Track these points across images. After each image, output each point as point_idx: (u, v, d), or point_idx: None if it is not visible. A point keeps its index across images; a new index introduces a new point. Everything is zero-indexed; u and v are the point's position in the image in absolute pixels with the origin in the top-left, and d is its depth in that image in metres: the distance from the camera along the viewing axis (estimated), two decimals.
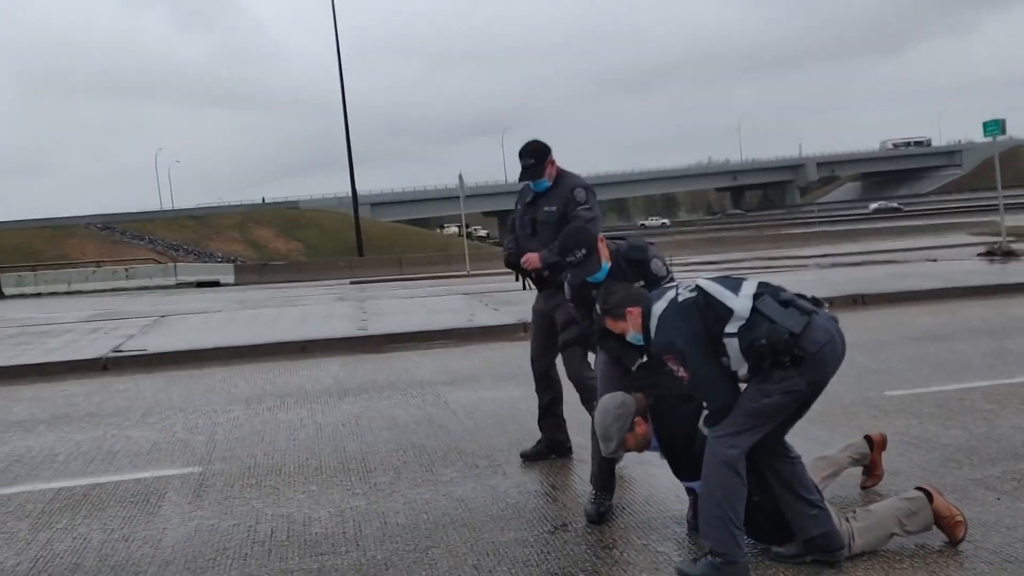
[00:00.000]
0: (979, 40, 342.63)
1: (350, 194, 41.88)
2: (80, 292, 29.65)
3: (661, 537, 3.96)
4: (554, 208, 4.90)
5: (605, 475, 4.26)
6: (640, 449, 3.77)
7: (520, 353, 9.26)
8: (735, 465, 3.37)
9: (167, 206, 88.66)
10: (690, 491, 3.87)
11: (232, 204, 79.48)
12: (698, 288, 3.45)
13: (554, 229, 4.75)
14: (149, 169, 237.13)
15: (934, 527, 3.66)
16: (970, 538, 3.69)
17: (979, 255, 18.82)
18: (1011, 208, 33.36)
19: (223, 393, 8.06)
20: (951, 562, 3.50)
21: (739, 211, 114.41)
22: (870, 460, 4.37)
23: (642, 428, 3.69)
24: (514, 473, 5.07)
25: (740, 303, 3.35)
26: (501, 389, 7.49)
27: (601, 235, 4.07)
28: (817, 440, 5.07)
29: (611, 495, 4.29)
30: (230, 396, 7.89)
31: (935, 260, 18.86)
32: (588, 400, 4.89)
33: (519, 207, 5.22)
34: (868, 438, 4.39)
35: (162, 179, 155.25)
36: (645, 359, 3.75)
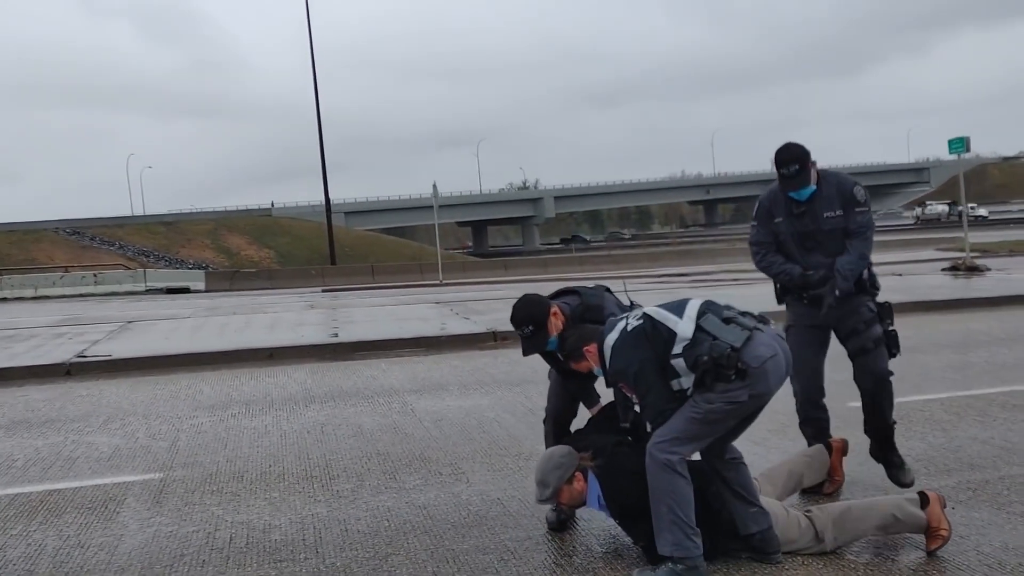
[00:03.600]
0: (935, 61, 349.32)
1: (324, 202, 41.71)
2: (47, 297, 29.22)
3: (622, 546, 3.97)
4: (839, 212, 4.41)
5: None
6: (573, 504, 3.94)
7: (489, 362, 9.29)
8: (676, 467, 3.44)
9: (138, 212, 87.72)
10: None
11: (204, 211, 78.81)
12: (645, 316, 3.60)
13: (841, 235, 4.41)
14: (120, 178, 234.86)
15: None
16: (923, 545, 3.74)
17: (943, 270, 19.11)
18: (977, 225, 33.87)
19: (188, 399, 7.98)
20: (904, 568, 3.55)
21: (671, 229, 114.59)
22: (830, 466, 4.43)
23: (580, 484, 3.85)
24: (478, 481, 5.06)
25: (683, 325, 3.50)
26: (469, 398, 7.48)
27: (553, 307, 4.01)
28: (779, 449, 5.11)
29: None
30: (195, 402, 7.82)
31: (900, 275, 19.11)
32: None
33: (778, 222, 4.54)
34: (828, 444, 4.46)
35: (133, 185, 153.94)
36: (602, 405, 4.21)
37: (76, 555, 4.17)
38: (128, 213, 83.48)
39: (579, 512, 4.35)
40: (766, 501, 3.78)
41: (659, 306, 3.65)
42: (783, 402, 4.34)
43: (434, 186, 29.34)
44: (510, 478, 5.09)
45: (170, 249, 62.44)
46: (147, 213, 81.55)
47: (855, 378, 4.55)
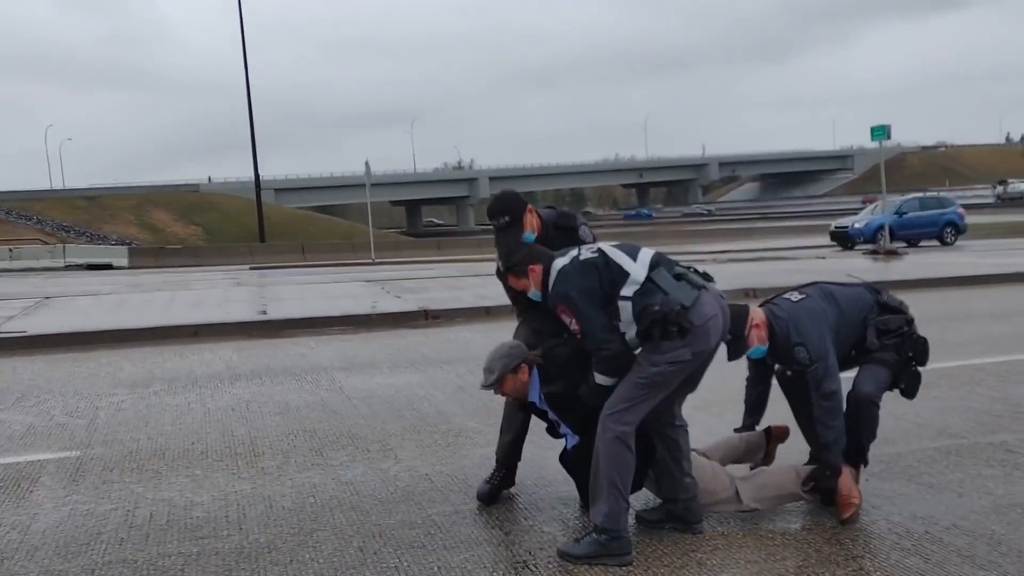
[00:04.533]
0: (860, 51, 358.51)
1: (253, 178, 40.86)
2: None
3: (548, 518, 4.01)
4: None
5: (507, 450, 4.27)
6: (515, 395, 3.86)
7: (420, 340, 9.25)
8: (627, 440, 3.48)
9: (58, 186, 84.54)
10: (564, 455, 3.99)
11: (129, 186, 76.45)
12: (599, 250, 3.60)
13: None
14: (37, 149, 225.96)
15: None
16: (836, 515, 3.86)
17: (864, 254, 19.72)
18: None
19: (107, 377, 7.76)
20: (817, 538, 3.66)
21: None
22: (765, 452, 4.48)
23: (524, 375, 3.80)
24: (406, 457, 5.04)
25: (637, 269, 3.51)
26: (399, 375, 7.44)
27: (530, 205, 4.06)
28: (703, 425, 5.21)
29: (510, 474, 4.30)
30: (115, 380, 7.61)
31: (824, 257, 19.65)
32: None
33: None
34: (768, 431, 4.48)
35: (52, 158, 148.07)
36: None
37: None
38: (47, 187, 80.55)
39: (513, 490, 4.34)
40: (697, 457, 3.90)
41: (614, 245, 3.66)
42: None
43: (366, 164, 28.94)
44: (439, 454, 5.09)
45: (92, 224, 60.45)
46: (67, 187, 78.70)
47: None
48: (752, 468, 4.47)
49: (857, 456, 4.05)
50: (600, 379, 3.56)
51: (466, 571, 3.47)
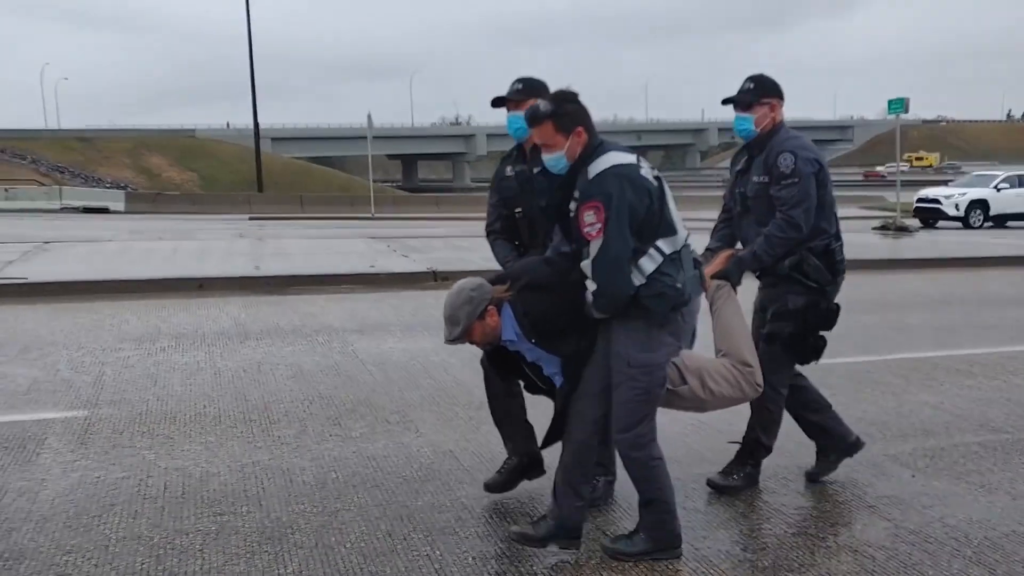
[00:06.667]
0: (859, 21, 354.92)
1: (249, 126, 40.26)
2: None
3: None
4: (764, 178, 3.81)
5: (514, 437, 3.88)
6: (486, 343, 3.30)
7: (431, 302, 9.02)
8: (651, 454, 3.25)
9: (52, 126, 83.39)
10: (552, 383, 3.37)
11: (124, 128, 75.44)
12: (660, 182, 3.13)
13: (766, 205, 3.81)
14: (32, 87, 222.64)
15: None
16: (890, 517, 3.69)
17: (874, 229, 19.47)
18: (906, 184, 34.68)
19: (112, 330, 7.53)
20: (872, 543, 3.48)
21: None
22: None
23: (493, 319, 3.21)
24: (428, 431, 4.84)
25: (681, 232, 3.16)
26: (412, 340, 7.23)
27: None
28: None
29: (533, 463, 3.85)
30: (120, 333, 7.38)
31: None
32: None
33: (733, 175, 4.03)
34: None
35: (48, 97, 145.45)
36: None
37: None
38: (41, 126, 79.44)
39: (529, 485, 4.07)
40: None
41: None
42: None
43: (368, 116, 28.49)
44: (461, 429, 4.89)
45: (87, 167, 59.63)
46: (62, 127, 77.63)
47: None
48: None
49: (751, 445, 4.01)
50: (595, 313, 3.14)
51: (504, 563, 3.29)
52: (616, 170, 3.01)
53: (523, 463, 3.84)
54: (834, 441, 4.11)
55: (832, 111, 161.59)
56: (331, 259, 12.43)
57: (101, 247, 13.79)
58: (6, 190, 31.48)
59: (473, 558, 3.33)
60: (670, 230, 3.11)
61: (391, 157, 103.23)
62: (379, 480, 4.12)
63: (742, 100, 3.82)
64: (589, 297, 3.10)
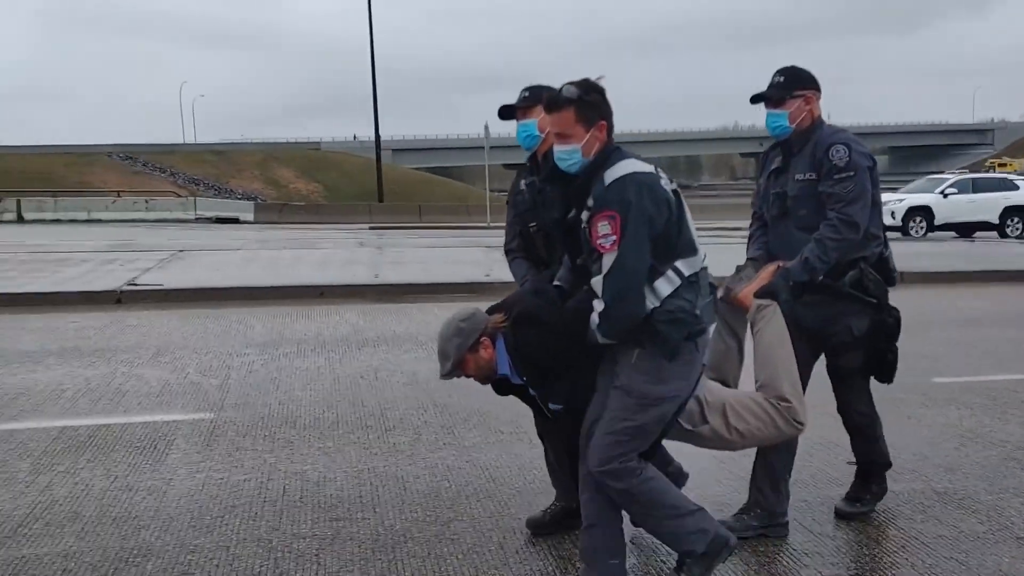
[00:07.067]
0: (996, 20, 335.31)
1: (371, 138, 41.36)
2: (99, 221, 29.47)
3: None
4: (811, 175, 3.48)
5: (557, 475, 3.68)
6: (482, 377, 3.08)
7: None
8: (641, 477, 2.90)
9: (190, 140, 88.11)
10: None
11: (254, 141, 78.94)
12: (679, 196, 2.86)
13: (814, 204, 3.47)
14: (170, 104, 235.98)
15: None
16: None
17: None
18: None
19: (239, 335, 7.81)
20: None
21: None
22: None
23: (487, 352, 2.99)
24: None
25: (700, 251, 2.88)
26: None
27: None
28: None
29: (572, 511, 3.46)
30: (246, 339, 7.64)
31: (972, 240, 18.26)
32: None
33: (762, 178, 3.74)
34: None
35: (185, 113, 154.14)
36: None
37: (124, 499, 3.98)
38: (180, 140, 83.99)
39: None
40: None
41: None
42: None
43: (486, 127, 28.78)
44: None
45: (220, 178, 62.73)
46: (198, 141, 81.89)
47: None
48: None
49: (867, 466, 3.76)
50: (600, 338, 2.83)
51: None
52: (636, 177, 2.74)
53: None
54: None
55: (970, 114, 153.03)
56: (447, 268, 12.57)
57: (230, 256, 14.38)
58: (146, 201, 33.35)
59: None
60: (690, 249, 2.83)
61: (507, 167, 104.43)
62: (491, 491, 4.09)
63: (773, 95, 3.51)
64: (595, 319, 2.79)
